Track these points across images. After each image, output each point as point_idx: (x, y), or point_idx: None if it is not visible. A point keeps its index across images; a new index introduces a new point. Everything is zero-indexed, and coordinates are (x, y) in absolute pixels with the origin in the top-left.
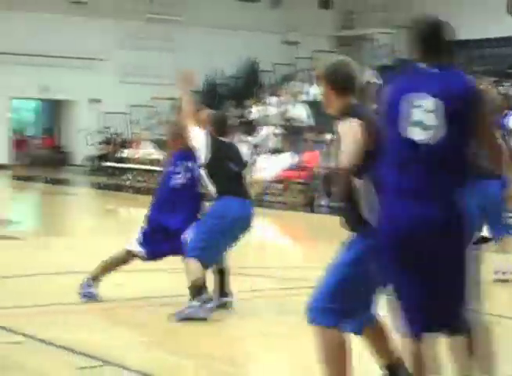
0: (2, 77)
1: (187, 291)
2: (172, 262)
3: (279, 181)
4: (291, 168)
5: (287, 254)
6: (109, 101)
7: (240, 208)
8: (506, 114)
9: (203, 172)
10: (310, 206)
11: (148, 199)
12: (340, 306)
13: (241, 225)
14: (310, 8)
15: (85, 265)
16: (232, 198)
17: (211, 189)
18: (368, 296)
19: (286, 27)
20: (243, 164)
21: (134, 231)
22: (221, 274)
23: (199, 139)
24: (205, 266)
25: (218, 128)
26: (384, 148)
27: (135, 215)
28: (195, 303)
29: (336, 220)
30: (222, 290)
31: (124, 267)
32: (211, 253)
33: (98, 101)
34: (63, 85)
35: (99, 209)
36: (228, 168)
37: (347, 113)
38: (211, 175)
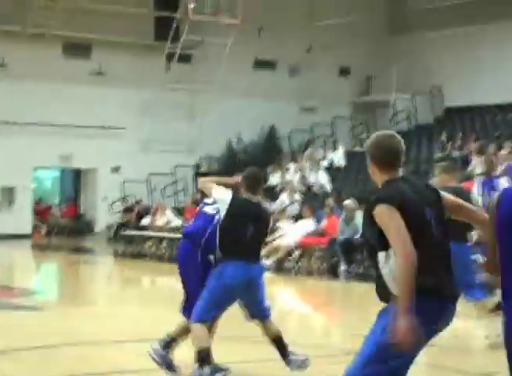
0: (25, 148)
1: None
2: None
3: (299, 247)
4: (312, 234)
5: (307, 320)
6: (130, 169)
7: (240, 272)
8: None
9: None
10: (332, 272)
11: (170, 267)
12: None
13: (241, 288)
14: (328, 75)
15: (107, 334)
16: (235, 262)
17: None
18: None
19: (304, 93)
20: (263, 225)
21: (155, 299)
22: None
23: (221, 193)
24: (203, 322)
25: (251, 185)
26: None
27: (158, 283)
28: (206, 371)
29: (359, 286)
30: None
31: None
32: (210, 310)
33: (118, 169)
34: (85, 154)
35: (120, 278)
36: (242, 228)
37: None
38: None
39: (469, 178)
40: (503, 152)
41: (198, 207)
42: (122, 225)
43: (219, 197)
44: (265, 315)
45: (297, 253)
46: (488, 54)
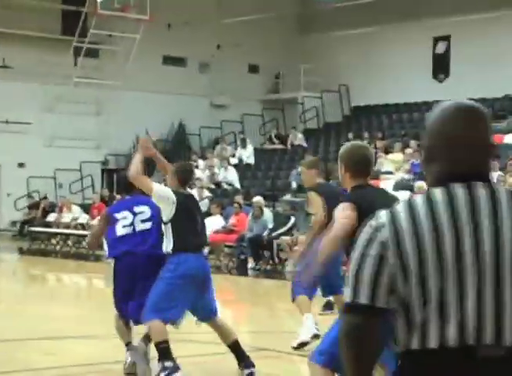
0: None
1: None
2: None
3: (208, 244)
4: (220, 231)
5: None
6: (35, 165)
7: (196, 263)
8: None
9: (165, 228)
10: (242, 269)
11: (76, 264)
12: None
13: (197, 280)
14: (238, 72)
15: (13, 332)
16: (189, 254)
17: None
18: None
19: (214, 90)
20: (202, 217)
21: (62, 297)
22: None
23: (164, 190)
24: (172, 323)
25: (184, 178)
26: None
27: (65, 280)
28: (168, 364)
29: (266, 283)
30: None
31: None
32: (174, 311)
33: (23, 165)
34: None
35: (25, 275)
36: (193, 220)
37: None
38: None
39: (377, 176)
40: (408, 151)
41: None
42: (27, 222)
43: (164, 194)
44: (215, 313)
45: (205, 250)
46: (395, 53)
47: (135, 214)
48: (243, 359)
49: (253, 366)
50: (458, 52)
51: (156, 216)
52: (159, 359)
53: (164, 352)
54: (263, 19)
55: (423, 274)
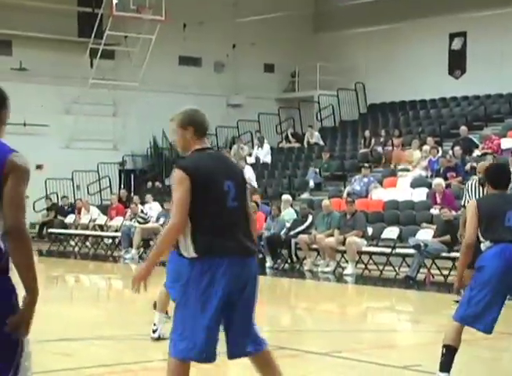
0: None
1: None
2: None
3: None
4: None
5: None
6: (53, 167)
7: None
8: None
9: None
10: (260, 268)
11: (95, 265)
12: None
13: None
14: (253, 71)
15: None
16: None
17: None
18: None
19: (230, 90)
20: None
21: (80, 298)
22: None
23: None
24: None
25: None
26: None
27: (84, 281)
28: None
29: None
30: None
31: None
32: None
33: (41, 167)
34: None
35: (44, 276)
36: None
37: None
38: None
39: (394, 173)
40: (426, 147)
41: None
42: (45, 224)
43: None
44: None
45: None
46: (411, 50)
47: None
48: None
49: None
50: (474, 48)
51: None
52: None
53: None
54: (278, 18)
55: None
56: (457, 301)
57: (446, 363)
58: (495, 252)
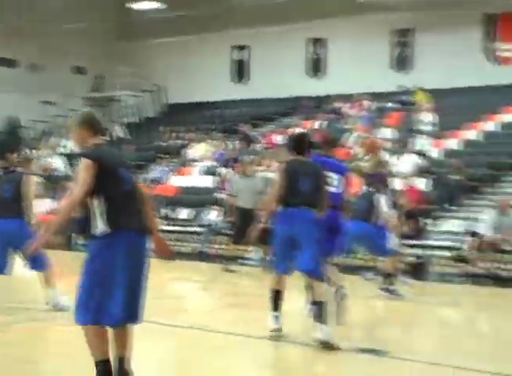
0: None
1: None
2: None
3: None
4: (50, 213)
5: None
6: None
7: None
8: None
9: None
10: (68, 245)
11: None
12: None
13: None
14: (66, 73)
15: None
16: None
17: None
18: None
19: (44, 89)
20: None
21: None
22: None
23: None
24: None
25: None
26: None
27: None
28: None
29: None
30: None
31: None
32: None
33: None
34: None
35: None
36: None
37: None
38: None
39: (187, 164)
40: (215, 142)
41: None
42: None
43: None
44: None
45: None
46: (202, 59)
47: None
48: None
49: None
50: (255, 59)
51: None
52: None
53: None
54: (87, 27)
55: None
56: (231, 271)
57: (276, 304)
58: (284, 214)
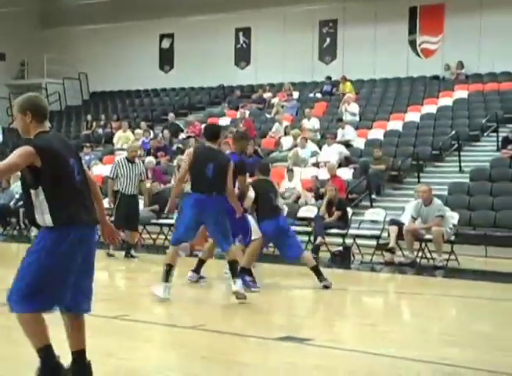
0: None
1: None
2: None
3: None
4: None
5: None
6: None
7: None
8: None
9: None
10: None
11: None
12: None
13: None
14: None
15: None
16: None
17: None
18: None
19: None
20: None
21: None
22: None
23: None
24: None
25: None
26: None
27: None
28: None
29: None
30: None
31: None
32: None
33: None
34: None
35: None
36: None
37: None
38: None
39: (113, 152)
40: (139, 131)
41: None
42: None
43: None
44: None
45: None
46: (128, 47)
47: None
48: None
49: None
50: (180, 47)
51: None
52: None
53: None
54: (9, 13)
55: None
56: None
57: (168, 276)
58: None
